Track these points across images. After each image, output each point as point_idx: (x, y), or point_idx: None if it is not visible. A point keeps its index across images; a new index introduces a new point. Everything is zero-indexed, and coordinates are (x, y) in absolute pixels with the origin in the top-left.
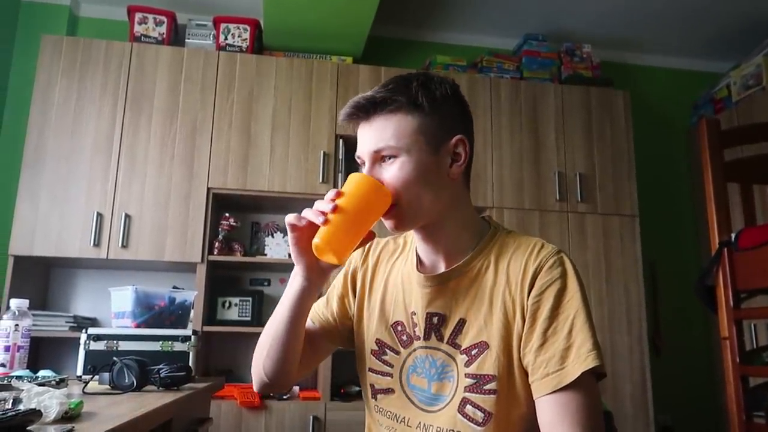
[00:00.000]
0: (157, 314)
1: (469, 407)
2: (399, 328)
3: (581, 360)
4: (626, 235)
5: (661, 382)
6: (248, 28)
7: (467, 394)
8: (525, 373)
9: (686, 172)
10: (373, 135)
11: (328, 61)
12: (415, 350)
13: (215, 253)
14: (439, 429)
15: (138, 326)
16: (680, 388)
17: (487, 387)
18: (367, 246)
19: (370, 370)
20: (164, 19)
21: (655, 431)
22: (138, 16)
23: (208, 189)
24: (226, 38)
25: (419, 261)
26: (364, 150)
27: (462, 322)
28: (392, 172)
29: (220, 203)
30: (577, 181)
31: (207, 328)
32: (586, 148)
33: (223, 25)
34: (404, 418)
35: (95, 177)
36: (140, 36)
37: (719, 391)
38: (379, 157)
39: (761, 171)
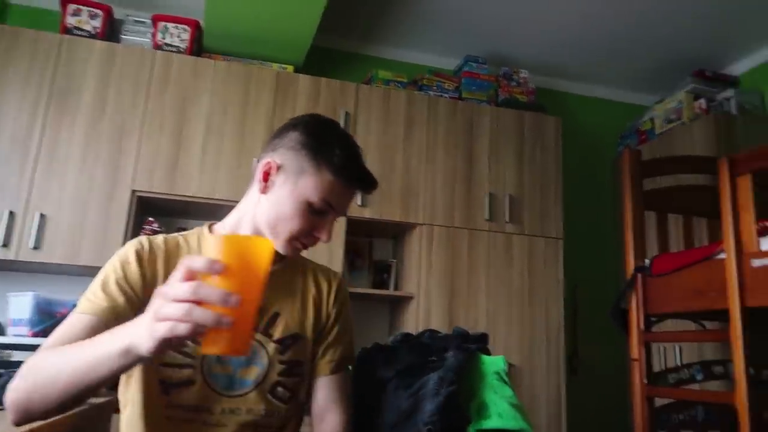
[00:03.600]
0: (57, 323)
1: (279, 389)
2: None
3: (352, 354)
4: (550, 257)
5: (577, 401)
6: (188, 29)
7: (280, 378)
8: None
9: (611, 199)
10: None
11: (269, 68)
12: None
13: None
14: (249, 410)
15: (35, 335)
16: (595, 406)
17: (296, 371)
18: (145, 244)
19: (164, 365)
20: (100, 12)
21: None
22: (71, 7)
23: (133, 191)
24: (164, 37)
25: None
26: (345, 211)
27: (276, 315)
28: (332, 228)
29: (145, 207)
30: (507, 203)
31: None
32: (517, 170)
33: (161, 24)
34: (206, 407)
35: (10, 172)
36: (72, 28)
37: (630, 411)
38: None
39: (677, 201)
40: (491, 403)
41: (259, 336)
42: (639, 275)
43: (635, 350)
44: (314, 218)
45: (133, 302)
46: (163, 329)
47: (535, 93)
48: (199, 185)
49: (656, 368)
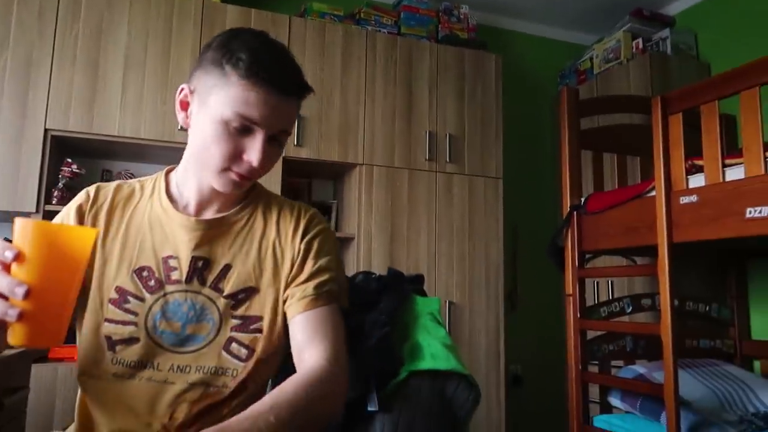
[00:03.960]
0: None
1: (234, 345)
2: (145, 273)
3: (337, 290)
4: (490, 196)
5: (515, 336)
6: None
7: (234, 333)
8: (284, 315)
9: (550, 138)
10: (287, 114)
11: None
12: (164, 295)
13: (54, 202)
14: (199, 368)
15: None
16: (532, 341)
17: (254, 327)
18: (92, 194)
19: (108, 320)
20: None
21: (505, 380)
22: None
23: (46, 130)
24: None
25: (177, 204)
26: (273, 124)
27: (227, 268)
28: (277, 152)
29: (62, 147)
30: (447, 142)
31: None
32: (457, 109)
33: None
34: (153, 363)
35: None
36: None
37: (565, 343)
38: (273, 135)
39: (612, 140)
40: (425, 344)
41: (207, 290)
42: (575, 213)
43: (570, 286)
44: (238, 139)
45: None
46: None
47: (476, 30)
48: (122, 124)
49: (589, 303)
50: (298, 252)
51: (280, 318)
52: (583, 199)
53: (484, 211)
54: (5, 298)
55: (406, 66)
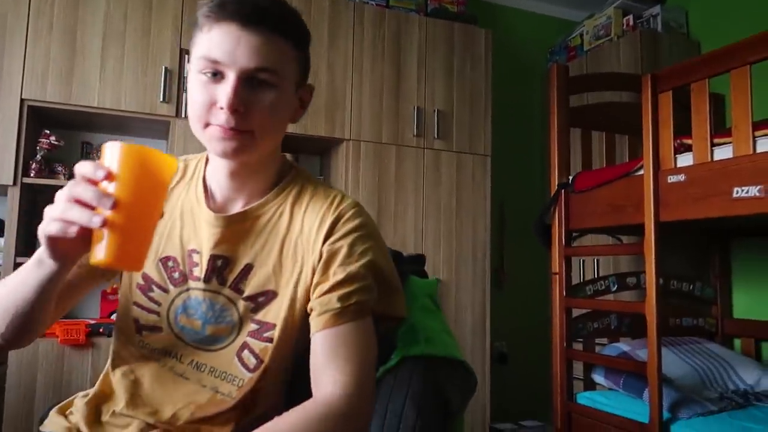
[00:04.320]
0: None
1: (246, 352)
2: (170, 264)
3: (361, 305)
4: (478, 173)
5: (501, 313)
6: None
7: (249, 339)
8: (304, 324)
9: (539, 115)
10: (257, 48)
11: None
12: (188, 290)
13: (32, 175)
14: (212, 369)
15: None
16: (517, 318)
17: (267, 335)
18: None
19: (136, 304)
20: None
21: (491, 357)
22: None
23: (22, 100)
24: None
25: (209, 195)
26: (240, 60)
27: (248, 268)
28: (266, 101)
29: (40, 118)
30: (435, 118)
31: (24, 260)
32: (446, 84)
33: None
34: (175, 354)
35: None
36: None
37: (550, 321)
38: (250, 78)
39: (601, 118)
40: (420, 328)
41: (227, 291)
42: (562, 191)
43: (556, 264)
44: (212, 87)
45: None
46: (43, 228)
47: (466, 3)
48: (101, 95)
49: (575, 281)
50: (320, 256)
51: (293, 329)
52: (571, 178)
53: (472, 188)
54: (91, 208)
55: (394, 40)
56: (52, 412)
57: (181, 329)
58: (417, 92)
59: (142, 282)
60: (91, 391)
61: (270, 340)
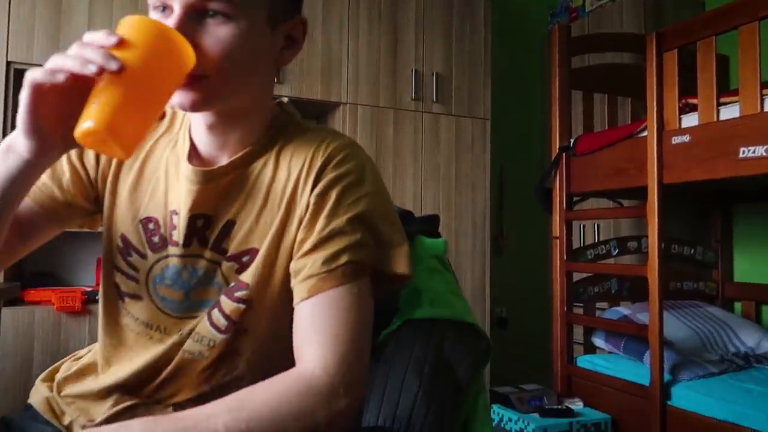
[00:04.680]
0: None
1: (215, 311)
2: (151, 226)
3: (352, 266)
4: (477, 138)
5: (501, 279)
6: None
7: (222, 297)
8: (287, 285)
9: (540, 79)
10: None
11: None
12: (167, 257)
13: None
14: (196, 334)
15: None
16: (517, 284)
17: (238, 294)
18: None
19: (116, 268)
20: None
21: (491, 322)
22: None
23: (8, 63)
24: None
25: (192, 150)
26: None
27: (230, 224)
28: (219, 36)
29: None
30: (434, 81)
31: None
32: (445, 47)
33: None
34: (159, 326)
35: None
36: None
37: (550, 286)
38: (199, 9)
39: (603, 80)
40: (424, 290)
41: (209, 254)
42: (563, 155)
43: (557, 228)
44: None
45: (78, 182)
46: (28, 76)
47: None
48: None
49: (575, 246)
50: (307, 207)
51: (273, 290)
52: (572, 141)
53: (471, 152)
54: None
55: (391, 0)
56: (38, 381)
57: (161, 300)
58: (415, 55)
59: (120, 244)
60: (82, 357)
61: (241, 300)
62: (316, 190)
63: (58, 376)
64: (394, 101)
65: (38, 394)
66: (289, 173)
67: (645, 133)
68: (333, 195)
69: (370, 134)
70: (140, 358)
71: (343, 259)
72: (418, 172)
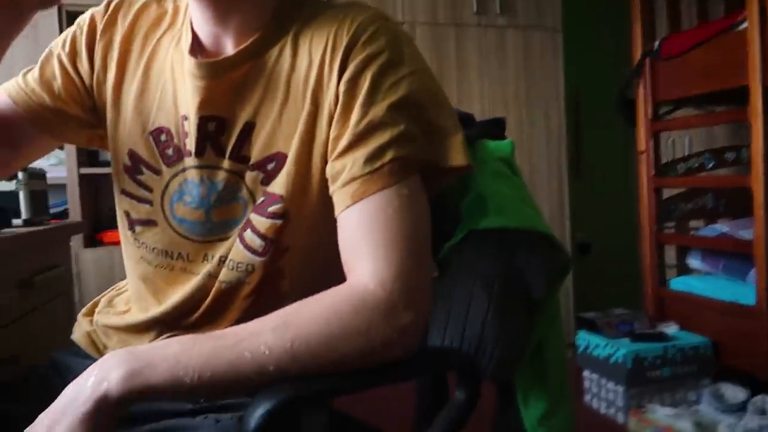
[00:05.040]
0: None
1: (248, 232)
2: (163, 137)
3: (400, 163)
4: (548, 52)
5: (580, 202)
6: None
7: (252, 215)
8: (326, 191)
9: None
10: None
11: None
12: (184, 170)
13: None
14: (222, 258)
15: None
16: (599, 207)
17: (271, 209)
18: (111, 7)
19: (124, 192)
20: None
21: (572, 248)
22: None
23: (59, 7)
24: None
25: (195, 41)
26: None
27: (249, 127)
28: None
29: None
30: None
31: (87, 170)
32: None
33: None
34: (180, 254)
35: None
36: None
37: (635, 207)
38: None
39: None
40: (489, 196)
41: (228, 163)
42: (647, 60)
43: (643, 142)
44: None
45: (71, 87)
46: None
47: None
48: None
49: (663, 161)
50: (336, 97)
51: (314, 201)
52: (656, 43)
53: (542, 68)
54: None
55: None
56: (80, 315)
57: (179, 222)
58: None
59: (128, 162)
60: (122, 288)
61: (276, 215)
62: (345, 76)
63: (99, 309)
64: (455, 16)
65: (80, 329)
66: (311, 59)
67: (744, 25)
68: (366, 79)
69: (430, 55)
70: (175, 294)
71: (388, 155)
72: (485, 93)
